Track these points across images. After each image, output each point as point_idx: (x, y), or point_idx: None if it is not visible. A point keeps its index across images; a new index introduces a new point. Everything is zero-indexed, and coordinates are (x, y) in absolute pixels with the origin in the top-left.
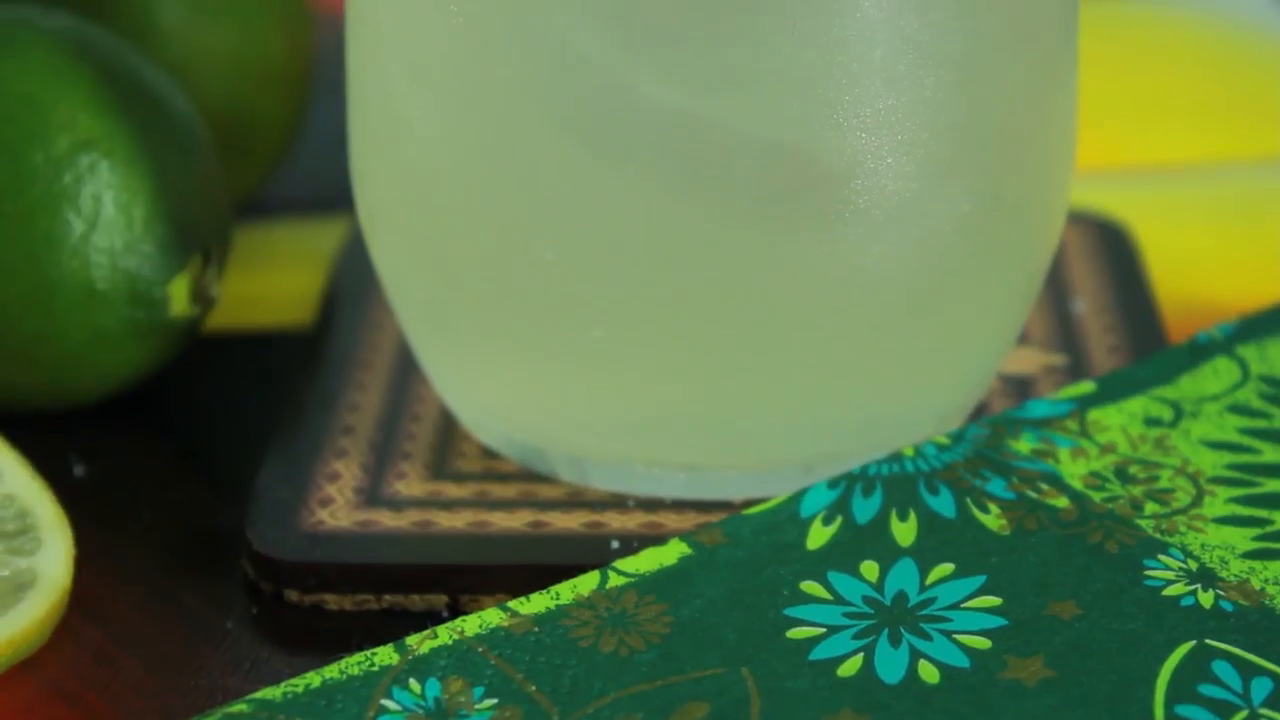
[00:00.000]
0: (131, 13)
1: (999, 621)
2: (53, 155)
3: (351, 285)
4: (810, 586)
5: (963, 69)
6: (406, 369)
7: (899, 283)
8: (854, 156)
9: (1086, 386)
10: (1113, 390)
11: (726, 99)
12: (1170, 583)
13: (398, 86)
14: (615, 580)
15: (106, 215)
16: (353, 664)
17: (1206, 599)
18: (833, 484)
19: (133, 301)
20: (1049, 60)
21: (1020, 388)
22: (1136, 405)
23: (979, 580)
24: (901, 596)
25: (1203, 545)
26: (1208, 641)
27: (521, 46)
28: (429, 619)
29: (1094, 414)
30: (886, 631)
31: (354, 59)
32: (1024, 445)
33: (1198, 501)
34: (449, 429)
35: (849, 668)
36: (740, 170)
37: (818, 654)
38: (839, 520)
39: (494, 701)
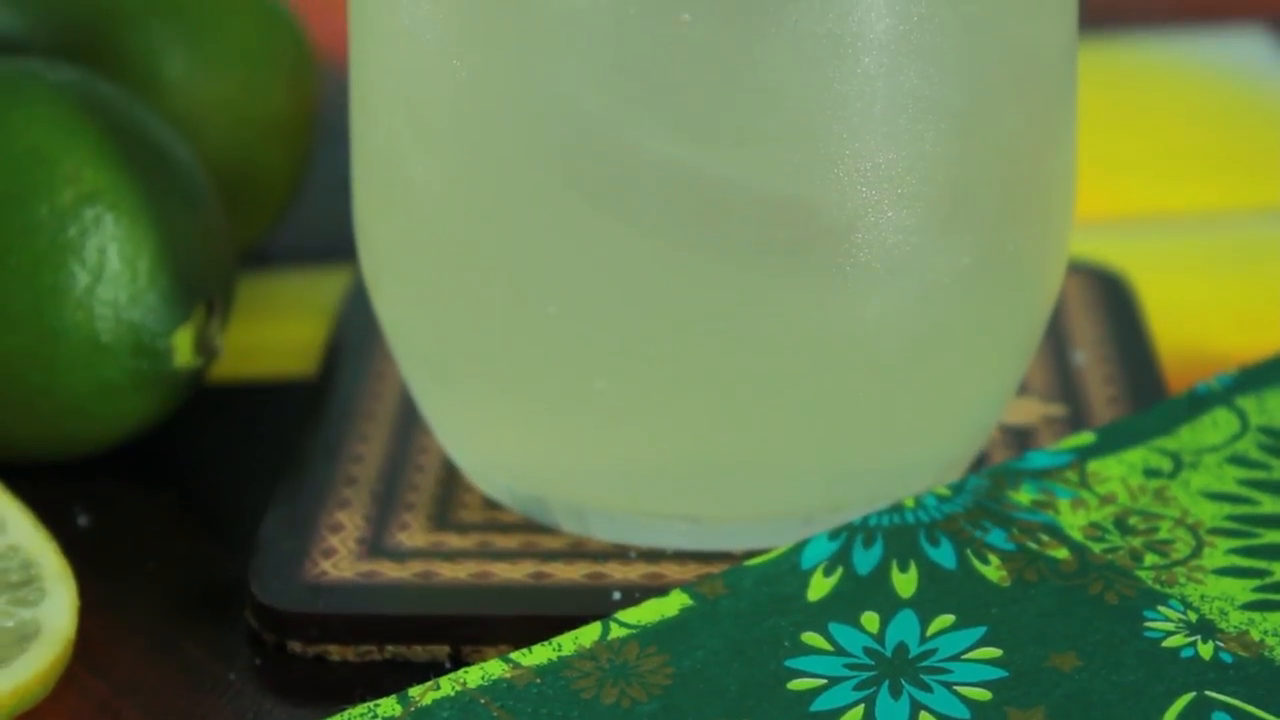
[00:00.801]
0: (136, 65)
1: (999, 673)
2: (58, 208)
3: (354, 335)
4: (811, 638)
5: (962, 123)
6: (409, 419)
7: (900, 335)
8: (855, 210)
9: (1086, 437)
10: (1112, 441)
11: (728, 153)
12: (1170, 634)
13: (401, 140)
14: (617, 631)
15: (111, 267)
16: (356, 715)
17: (1206, 650)
18: (833, 535)
19: (137, 353)
20: (1048, 112)
21: (1020, 438)
22: (1136, 456)
23: (979, 631)
24: (902, 648)
25: (1202, 596)
26: (1208, 693)
27: (524, 101)
28: (432, 670)
29: (1094, 465)
30: (887, 683)
31: (357, 112)
32: (1024, 496)
33: (1197, 553)
34: (451, 479)
35: (850, 719)
36: (742, 224)
37: (819, 705)
38: (840, 571)
39: None
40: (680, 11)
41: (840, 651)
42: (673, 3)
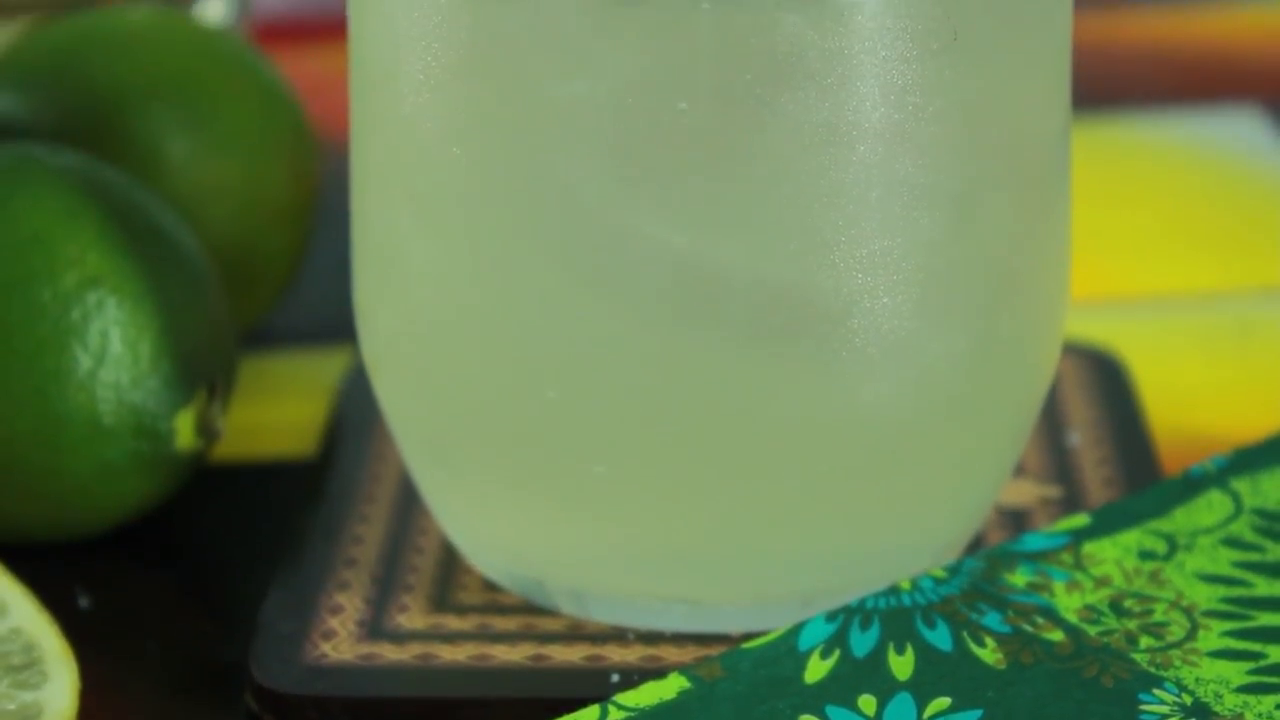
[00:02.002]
0: (139, 148)
1: None
2: (61, 292)
3: (354, 416)
4: None
5: (957, 209)
6: (409, 500)
7: (895, 419)
8: (851, 296)
9: (1081, 519)
10: (1107, 523)
11: (725, 240)
12: (1166, 717)
13: (401, 226)
14: (615, 714)
15: (113, 351)
16: None
17: None
18: (830, 617)
19: (138, 435)
20: (1043, 197)
21: (1016, 519)
22: (1131, 538)
23: (976, 715)
24: None
25: (1197, 679)
26: None
27: (523, 187)
28: None
29: (1089, 547)
30: None
31: (358, 198)
32: (1019, 579)
33: (1192, 635)
34: (450, 561)
35: None
36: (739, 309)
37: None
38: (837, 654)
39: None
40: (678, 100)
41: None
42: (670, 92)
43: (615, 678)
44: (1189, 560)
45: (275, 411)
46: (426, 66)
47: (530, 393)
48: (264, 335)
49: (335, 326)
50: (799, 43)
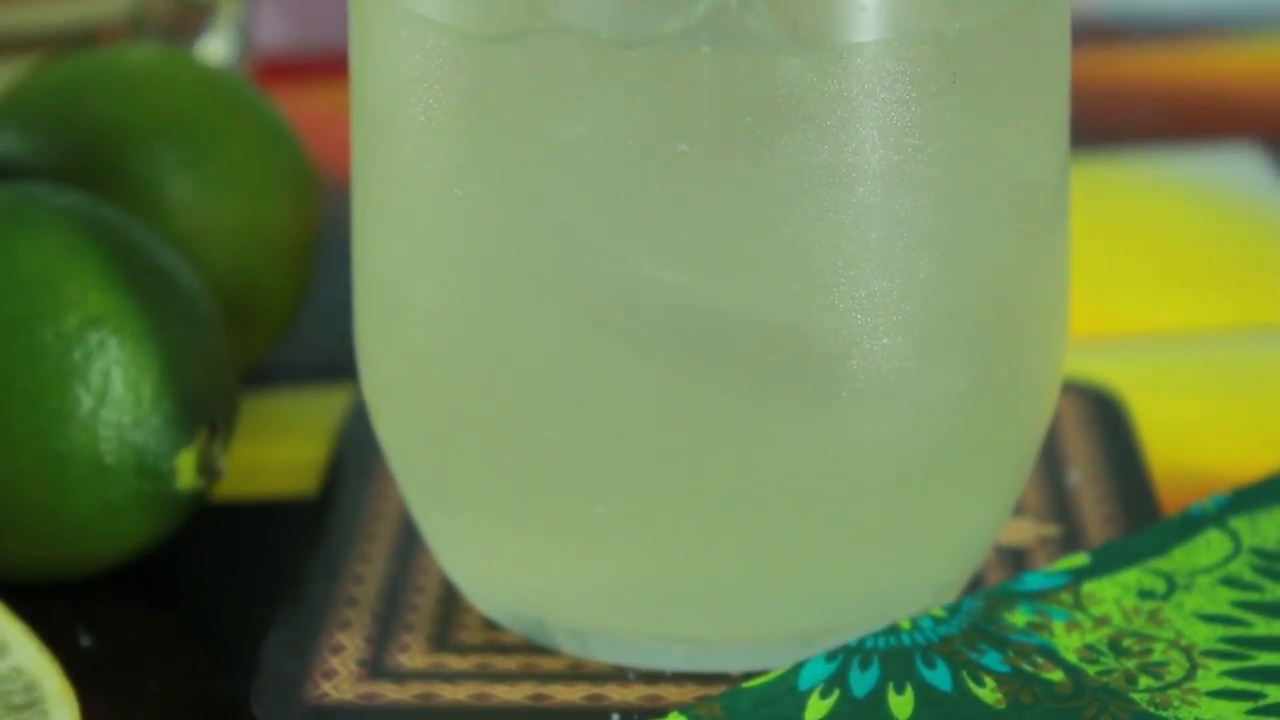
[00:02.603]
0: (140, 187)
1: None
2: (63, 332)
3: (355, 454)
4: None
5: (956, 250)
6: (409, 539)
7: (895, 459)
8: (850, 337)
9: (1080, 559)
10: (1106, 562)
11: (725, 280)
12: None
13: (402, 267)
14: None
15: (115, 391)
16: None
17: None
18: (830, 657)
19: (140, 475)
20: (1042, 237)
21: (1015, 558)
22: (1130, 577)
23: None
24: None
25: (1196, 719)
26: None
27: (524, 229)
28: None
29: (1088, 586)
30: None
31: (359, 239)
32: (1019, 618)
33: (1191, 675)
34: (451, 600)
35: None
36: (739, 350)
37: None
38: (836, 693)
39: None
40: (678, 143)
41: None
42: (670, 134)
43: (616, 717)
44: (1188, 600)
45: (276, 450)
46: (428, 108)
47: (530, 433)
48: (265, 373)
49: (336, 365)
50: (799, 85)
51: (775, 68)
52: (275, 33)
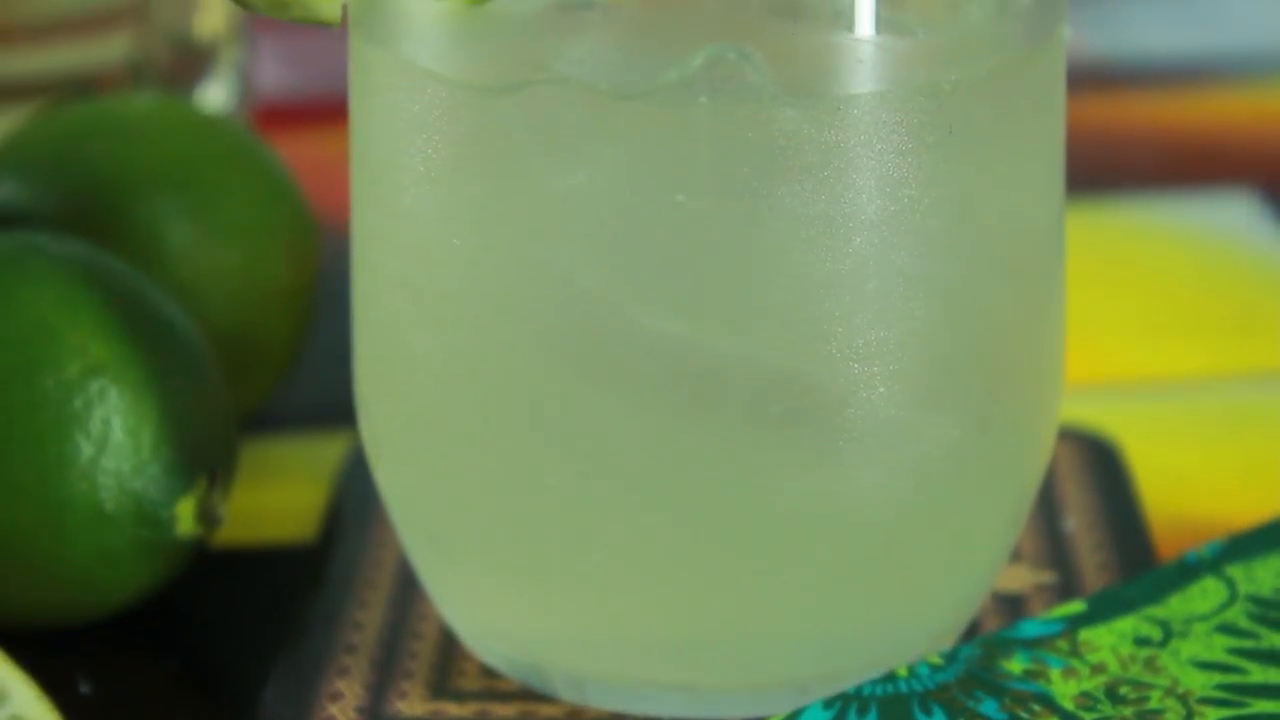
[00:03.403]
0: (140, 235)
1: None
2: (63, 380)
3: (354, 501)
4: None
5: (952, 299)
6: (408, 586)
7: (892, 508)
8: (847, 386)
9: (1076, 606)
10: (1103, 609)
11: (723, 330)
12: None
13: (401, 316)
14: None
15: (115, 439)
16: None
17: None
18: (828, 704)
19: (140, 522)
20: (1037, 285)
21: (1011, 605)
22: (1126, 625)
23: None
24: None
25: None
26: None
27: (522, 278)
28: None
29: (1084, 634)
30: None
31: (359, 288)
32: (1016, 665)
33: None
34: (450, 647)
35: None
36: (737, 399)
37: None
38: None
39: None
40: (676, 193)
41: None
42: (668, 185)
43: None
44: (1184, 647)
45: (275, 496)
46: (426, 159)
47: (529, 481)
48: (264, 420)
49: (335, 411)
50: (795, 136)
51: (772, 119)
52: (274, 79)
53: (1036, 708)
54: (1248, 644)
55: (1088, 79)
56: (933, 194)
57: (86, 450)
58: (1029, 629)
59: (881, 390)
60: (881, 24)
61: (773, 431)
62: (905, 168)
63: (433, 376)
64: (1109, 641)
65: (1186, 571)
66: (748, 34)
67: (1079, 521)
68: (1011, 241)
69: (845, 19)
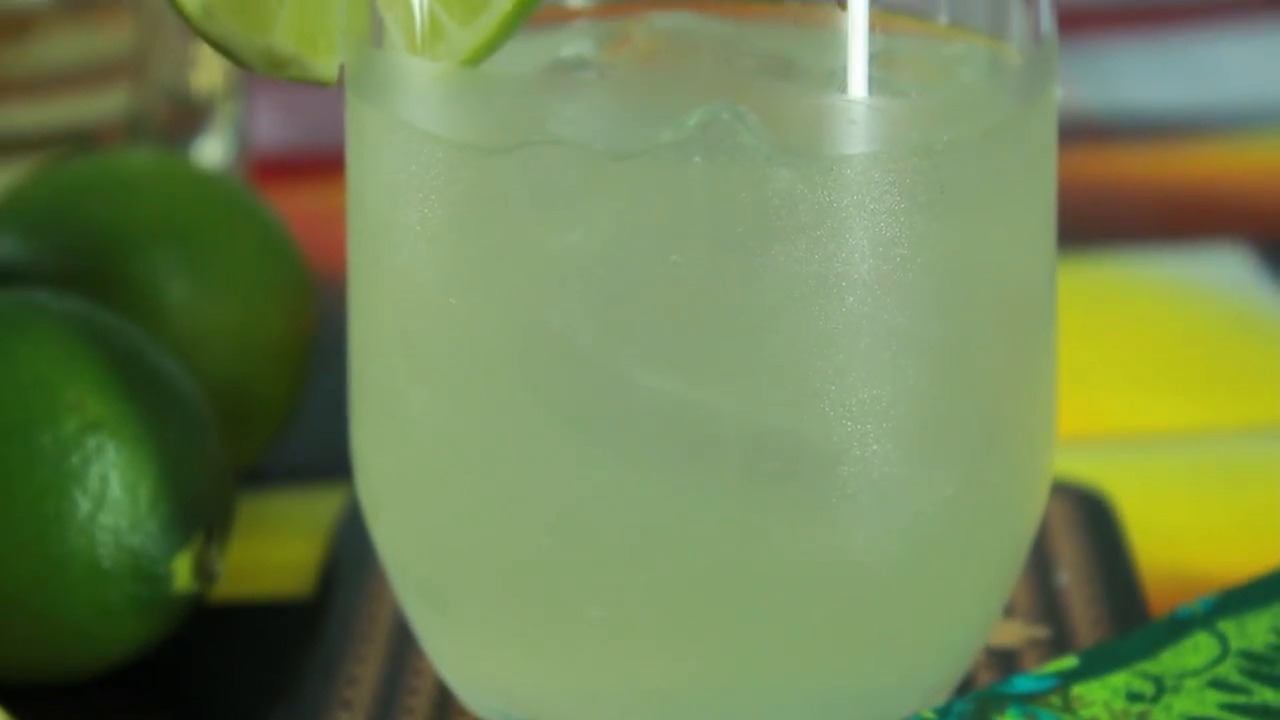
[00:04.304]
0: (139, 291)
1: None
2: (61, 437)
3: (350, 555)
4: None
5: (944, 357)
6: (404, 641)
7: (885, 564)
8: (840, 443)
9: (1069, 661)
10: (1095, 665)
11: (717, 388)
12: None
13: (396, 372)
14: None
15: (113, 495)
16: None
17: None
18: None
19: (137, 578)
20: (1029, 342)
21: (1004, 660)
22: (1119, 680)
23: None
24: None
25: None
26: None
27: (518, 336)
28: None
29: (1077, 689)
30: None
31: (355, 344)
32: None
33: None
34: (445, 702)
35: None
36: (731, 456)
37: None
38: None
39: None
40: (671, 252)
41: None
42: (663, 244)
43: None
44: (1176, 702)
45: (271, 551)
46: (423, 217)
47: (524, 537)
48: (260, 474)
49: (331, 465)
50: (789, 196)
51: (766, 179)
52: (272, 132)
53: None
54: (1240, 699)
55: (1080, 133)
56: (925, 253)
57: (84, 506)
58: (1022, 684)
59: (875, 447)
60: (874, 85)
61: (766, 488)
62: (898, 227)
63: (429, 433)
64: (1102, 697)
65: (1179, 627)
66: (742, 95)
67: (1072, 576)
68: (1004, 299)
69: (838, 80)
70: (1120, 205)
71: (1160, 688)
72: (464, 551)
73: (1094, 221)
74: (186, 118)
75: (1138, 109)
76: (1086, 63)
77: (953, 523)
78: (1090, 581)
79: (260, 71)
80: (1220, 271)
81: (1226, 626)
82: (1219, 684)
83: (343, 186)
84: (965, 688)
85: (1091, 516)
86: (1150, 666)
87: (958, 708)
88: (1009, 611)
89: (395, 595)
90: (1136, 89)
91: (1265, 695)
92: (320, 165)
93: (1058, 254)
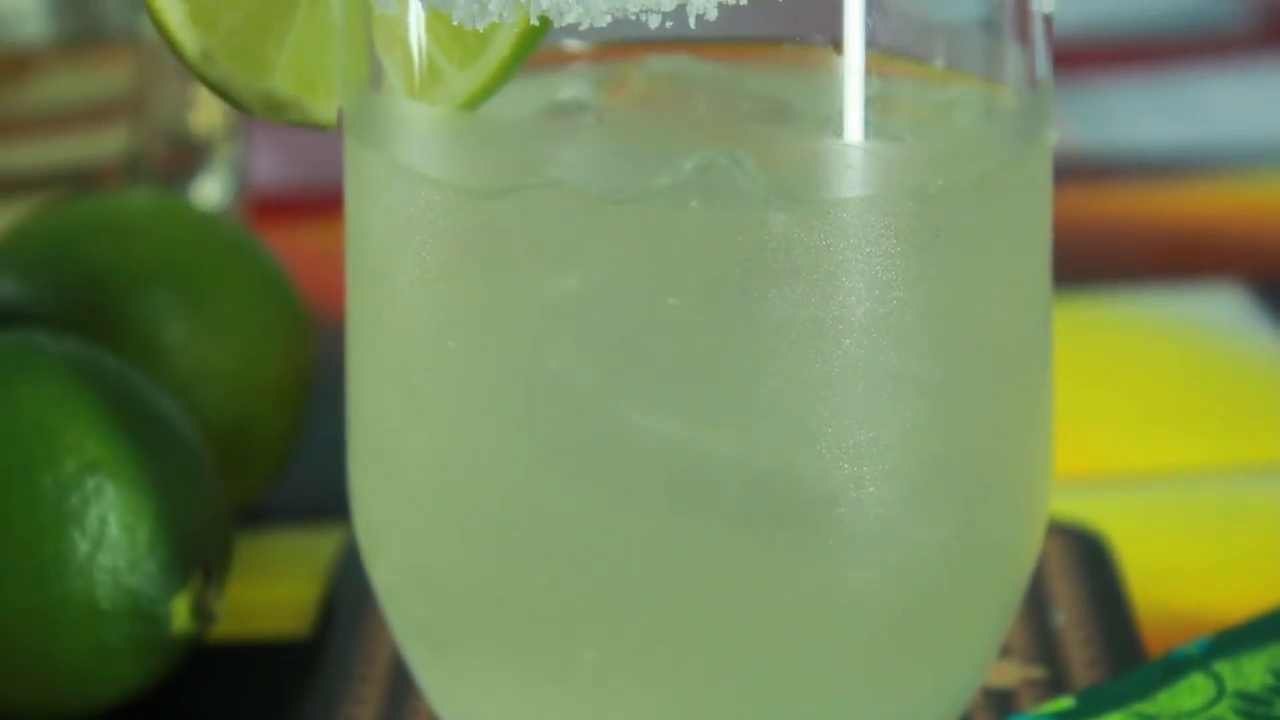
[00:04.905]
0: (138, 332)
1: None
2: (60, 478)
3: (348, 596)
4: None
5: (941, 399)
6: (402, 681)
7: (881, 606)
8: (837, 486)
9: (1065, 702)
10: (1091, 705)
11: (714, 430)
12: None
13: (395, 414)
14: None
15: (111, 536)
16: None
17: None
18: None
19: (135, 619)
20: (1025, 383)
21: (1001, 700)
22: None
23: None
24: None
25: None
26: None
27: (515, 378)
28: None
29: None
30: None
31: (353, 386)
32: None
33: None
34: None
35: None
36: (727, 498)
37: None
38: None
39: None
40: (668, 296)
41: None
42: (660, 287)
43: None
44: None
45: (269, 591)
46: (421, 261)
47: (521, 579)
48: (259, 514)
49: (329, 505)
50: (786, 240)
51: (763, 223)
52: (270, 171)
53: None
54: None
55: (1075, 171)
56: (921, 296)
57: (83, 547)
58: None
59: (871, 490)
60: (870, 129)
61: (763, 530)
62: (894, 270)
63: (427, 475)
64: None
65: (1174, 668)
66: (738, 139)
67: (1068, 616)
68: (999, 341)
69: (834, 124)
70: (1115, 244)
71: None
72: (461, 592)
73: (1089, 260)
74: (185, 157)
75: (1132, 147)
76: (1081, 101)
77: (949, 564)
78: (1086, 622)
79: (259, 115)
80: (1215, 310)
81: (1222, 667)
82: None
83: (341, 224)
84: None
85: (1087, 556)
86: (1146, 707)
87: None
88: (1005, 652)
89: (393, 636)
90: (1131, 127)
91: None
92: (319, 204)
93: (1053, 292)
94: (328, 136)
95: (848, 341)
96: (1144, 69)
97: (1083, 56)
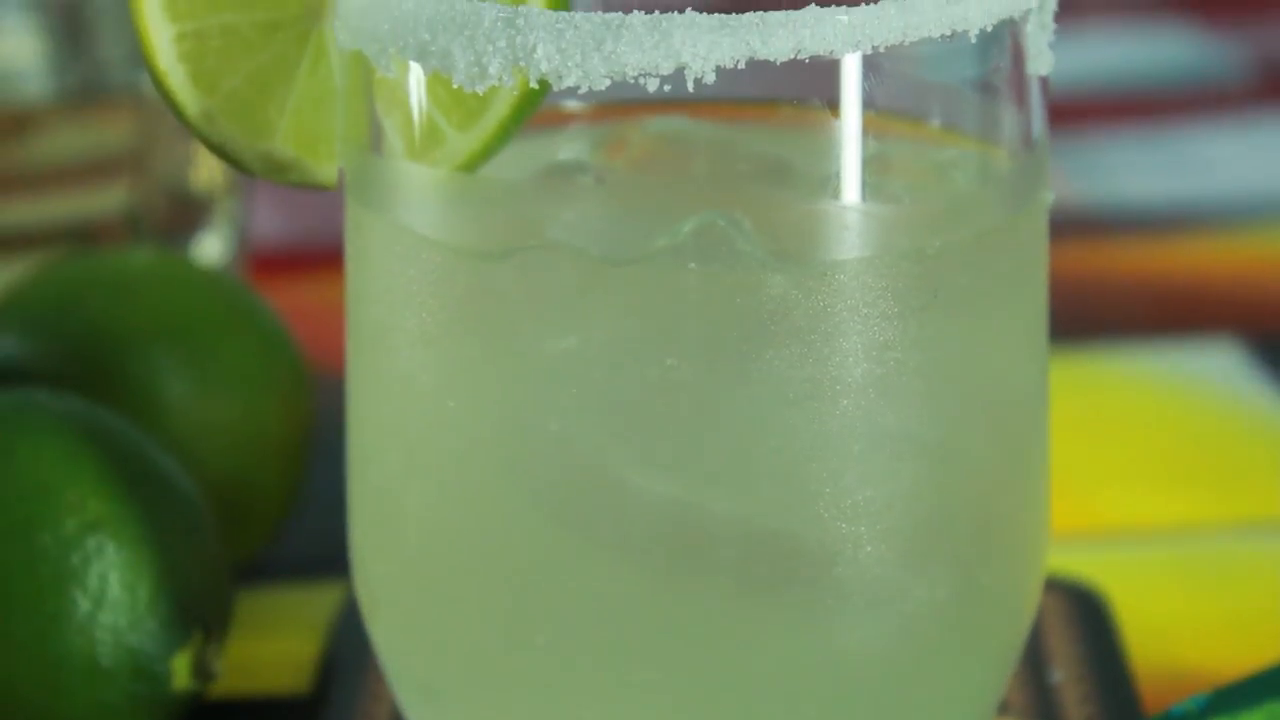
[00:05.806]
0: (138, 389)
1: None
2: (61, 537)
3: (348, 652)
4: None
5: (938, 459)
6: None
7: (879, 665)
8: (835, 546)
9: None
10: None
11: (712, 490)
12: None
13: (395, 473)
14: None
15: (112, 594)
16: None
17: None
18: None
19: (136, 677)
20: (1022, 442)
21: None
22: None
23: None
24: None
25: None
26: None
27: (515, 439)
28: None
29: None
30: None
31: (353, 445)
32: None
33: None
34: None
35: None
36: (726, 558)
37: None
38: None
39: None
40: (666, 356)
41: None
42: (659, 348)
43: None
44: None
45: (269, 647)
46: (421, 321)
47: (520, 638)
48: (258, 570)
49: (329, 561)
50: (783, 301)
51: (760, 284)
52: (271, 226)
53: None
54: None
55: (1072, 227)
56: (918, 356)
57: (84, 606)
58: None
59: (869, 549)
60: (868, 191)
61: (761, 590)
62: (891, 331)
63: (426, 534)
64: None
65: None
66: (736, 201)
67: (1066, 673)
68: (997, 401)
69: (832, 186)
70: (1112, 299)
71: None
72: (461, 650)
73: (1087, 315)
74: (186, 214)
75: (1130, 202)
76: (1078, 156)
77: (947, 624)
78: (1084, 679)
79: (260, 175)
80: (1213, 365)
81: None
82: None
83: (341, 280)
84: None
85: (1085, 613)
86: None
87: None
88: (1003, 709)
89: (392, 692)
90: (1128, 182)
91: None
92: (319, 260)
93: (1050, 349)
94: (328, 193)
95: (845, 402)
96: (1142, 124)
97: (1081, 111)
